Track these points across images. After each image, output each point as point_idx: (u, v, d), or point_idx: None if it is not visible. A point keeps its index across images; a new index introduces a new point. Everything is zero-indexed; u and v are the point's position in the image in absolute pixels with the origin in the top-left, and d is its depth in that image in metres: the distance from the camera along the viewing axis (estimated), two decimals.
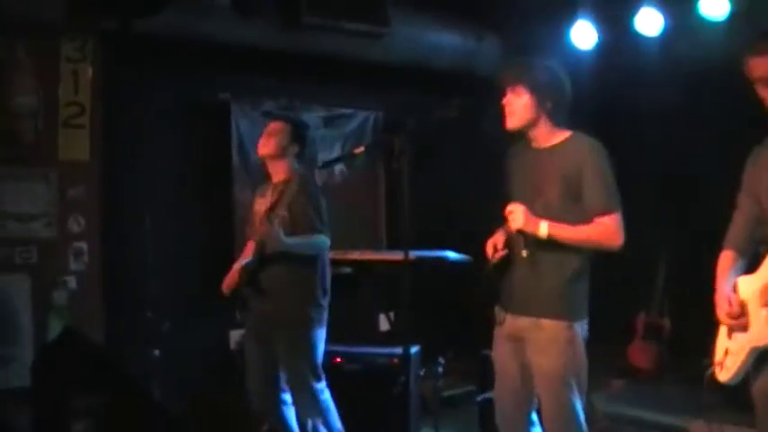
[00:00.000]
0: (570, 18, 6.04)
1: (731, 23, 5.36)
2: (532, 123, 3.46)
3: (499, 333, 3.63)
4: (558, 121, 3.47)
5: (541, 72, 3.46)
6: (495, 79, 3.57)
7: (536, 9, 6.11)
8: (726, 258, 3.23)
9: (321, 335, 4.33)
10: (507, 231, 3.50)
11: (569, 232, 3.35)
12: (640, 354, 6.30)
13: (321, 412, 4.30)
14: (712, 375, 3.20)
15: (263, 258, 4.24)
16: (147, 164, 5.78)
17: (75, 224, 5.53)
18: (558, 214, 3.37)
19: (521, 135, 3.55)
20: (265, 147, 4.38)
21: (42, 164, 5.42)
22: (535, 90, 3.42)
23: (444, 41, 6.66)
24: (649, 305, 6.39)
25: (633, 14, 5.67)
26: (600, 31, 6.01)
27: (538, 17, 6.20)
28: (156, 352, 5.02)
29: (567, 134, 3.47)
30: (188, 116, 6.10)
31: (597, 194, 3.34)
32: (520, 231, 3.39)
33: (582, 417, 3.46)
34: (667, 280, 6.35)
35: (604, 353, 6.28)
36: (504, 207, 3.45)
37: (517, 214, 3.36)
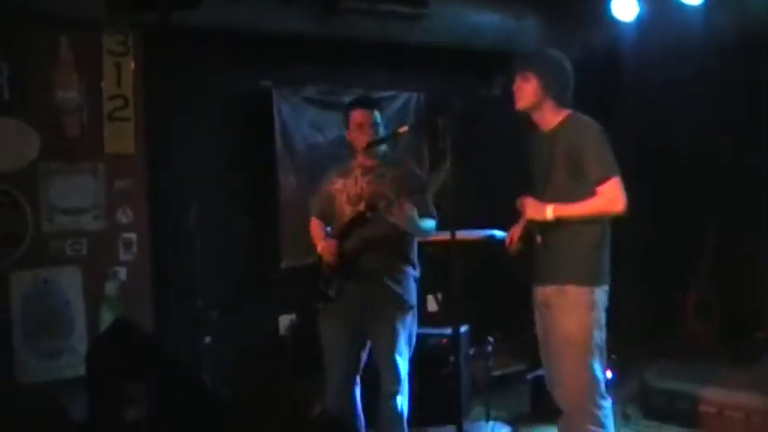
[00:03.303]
0: None
1: None
2: (537, 106, 3.76)
3: (535, 305, 3.92)
4: (561, 103, 3.77)
5: (547, 60, 3.80)
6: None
7: None
8: None
9: None
10: (523, 220, 3.86)
11: (574, 209, 3.64)
12: (691, 331, 6.22)
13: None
14: None
15: None
16: (192, 153, 5.81)
17: (124, 216, 5.60)
18: (566, 194, 3.66)
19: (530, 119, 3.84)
20: None
21: (89, 157, 5.49)
22: (541, 76, 3.72)
23: (484, 21, 6.59)
24: (698, 282, 6.29)
25: None
26: (641, 3, 5.92)
27: None
28: (207, 339, 5.07)
29: (564, 114, 3.76)
30: (230, 104, 6.13)
31: (594, 166, 3.61)
32: (532, 220, 3.74)
33: (600, 378, 3.68)
34: (716, 255, 6.24)
35: (656, 330, 6.25)
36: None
37: (525, 206, 3.74)
